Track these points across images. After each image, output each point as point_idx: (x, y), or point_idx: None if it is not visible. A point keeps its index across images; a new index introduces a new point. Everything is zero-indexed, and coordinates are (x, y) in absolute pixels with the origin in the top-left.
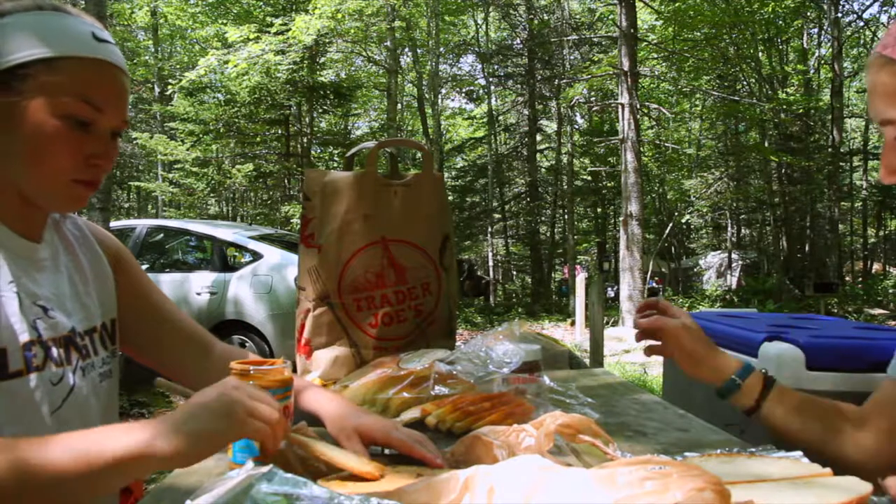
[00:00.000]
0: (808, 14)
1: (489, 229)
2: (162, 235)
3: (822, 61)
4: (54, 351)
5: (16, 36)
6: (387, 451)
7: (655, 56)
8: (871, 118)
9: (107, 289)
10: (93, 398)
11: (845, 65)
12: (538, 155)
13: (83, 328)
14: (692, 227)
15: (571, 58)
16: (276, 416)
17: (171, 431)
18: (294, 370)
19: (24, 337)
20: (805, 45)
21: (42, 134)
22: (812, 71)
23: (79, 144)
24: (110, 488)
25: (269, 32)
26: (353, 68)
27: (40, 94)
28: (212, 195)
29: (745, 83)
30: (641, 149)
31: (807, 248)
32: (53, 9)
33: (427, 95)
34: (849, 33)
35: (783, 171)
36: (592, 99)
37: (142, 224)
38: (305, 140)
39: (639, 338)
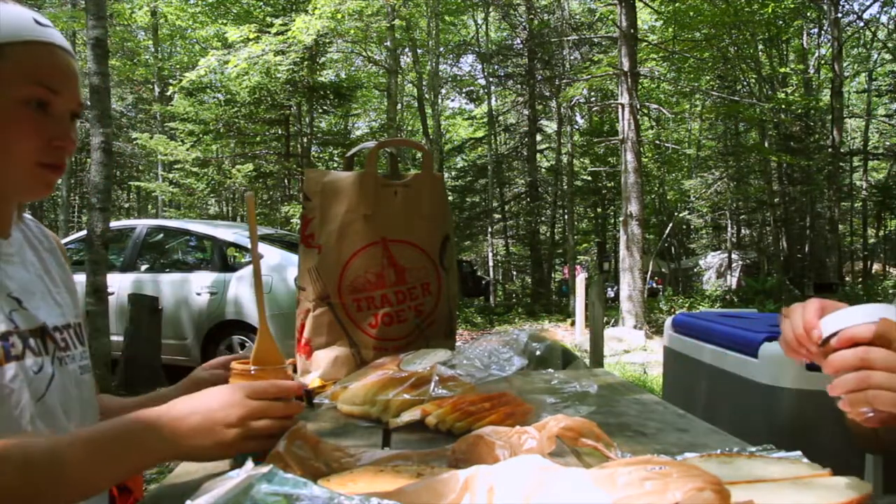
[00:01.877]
0: (808, 14)
1: (489, 229)
2: (162, 235)
3: (822, 61)
4: (31, 341)
5: None
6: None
7: (655, 56)
8: None
9: (74, 295)
10: (73, 388)
11: (845, 65)
12: (538, 155)
13: (60, 323)
14: (692, 227)
15: (571, 58)
16: (284, 412)
17: (175, 448)
18: (294, 370)
19: (1, 328)
20: (805, 46)
21: (2, 120)
22: (812, 71)
23: (41, 128)
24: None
25: (269, 33)
26: (353, 68)
27: None
28: (212, 195)
29: (745, 83)
30: (641, 149)
31: (807, 249)
32: None
33: (427, 95)
34: (849, 33)
35: (783, 171)
36: (592, 99)
37: (142, 224)
38: (305, 140)
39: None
